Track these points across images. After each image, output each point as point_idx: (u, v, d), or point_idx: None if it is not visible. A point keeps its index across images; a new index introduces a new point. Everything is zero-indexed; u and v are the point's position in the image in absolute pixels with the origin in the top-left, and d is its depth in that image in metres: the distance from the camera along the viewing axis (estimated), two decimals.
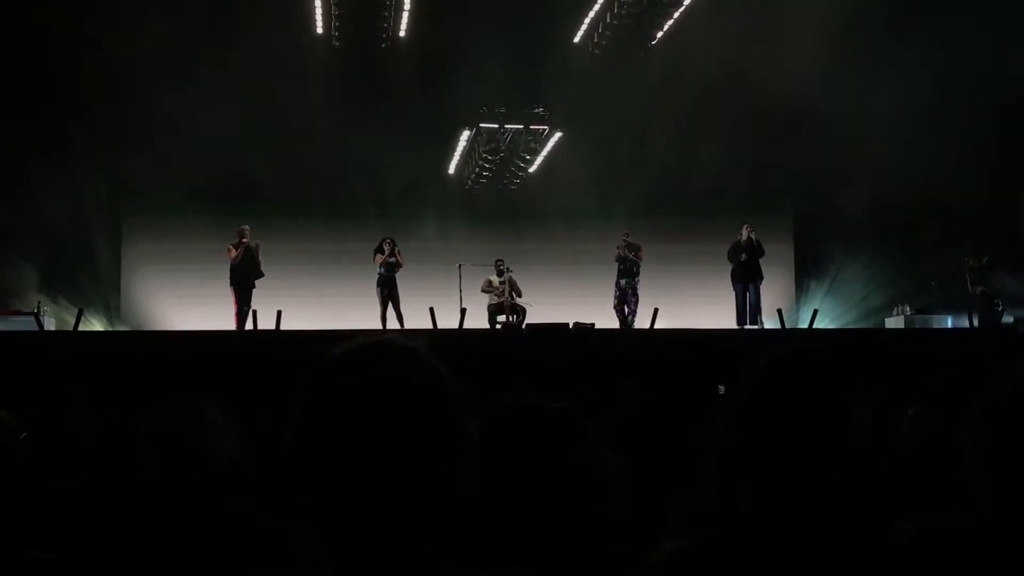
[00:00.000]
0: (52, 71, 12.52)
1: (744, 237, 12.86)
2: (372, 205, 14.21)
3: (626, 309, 13.20)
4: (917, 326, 13.28)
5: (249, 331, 11.39)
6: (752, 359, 1.53)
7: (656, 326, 11.33)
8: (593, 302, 13.22)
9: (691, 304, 13.84)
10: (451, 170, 15.70)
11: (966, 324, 12.36)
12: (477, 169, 15.18)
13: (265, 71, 12.97)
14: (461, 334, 10.85)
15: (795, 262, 16.49)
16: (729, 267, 13.06)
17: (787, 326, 12.16)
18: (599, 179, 14.62)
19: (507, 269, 12.96)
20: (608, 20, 13.36)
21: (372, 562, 1.10)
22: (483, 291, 12.99)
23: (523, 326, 12.02)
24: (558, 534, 1.46)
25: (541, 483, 1.47)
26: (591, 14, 13.55)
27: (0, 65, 12.07)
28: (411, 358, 1.16)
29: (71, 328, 10.75)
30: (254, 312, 11.42)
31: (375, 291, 12.55)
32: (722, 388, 6.63)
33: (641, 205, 14.64)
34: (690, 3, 12.81)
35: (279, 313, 10.78)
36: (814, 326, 12.09)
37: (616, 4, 13.04)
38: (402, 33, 13.37)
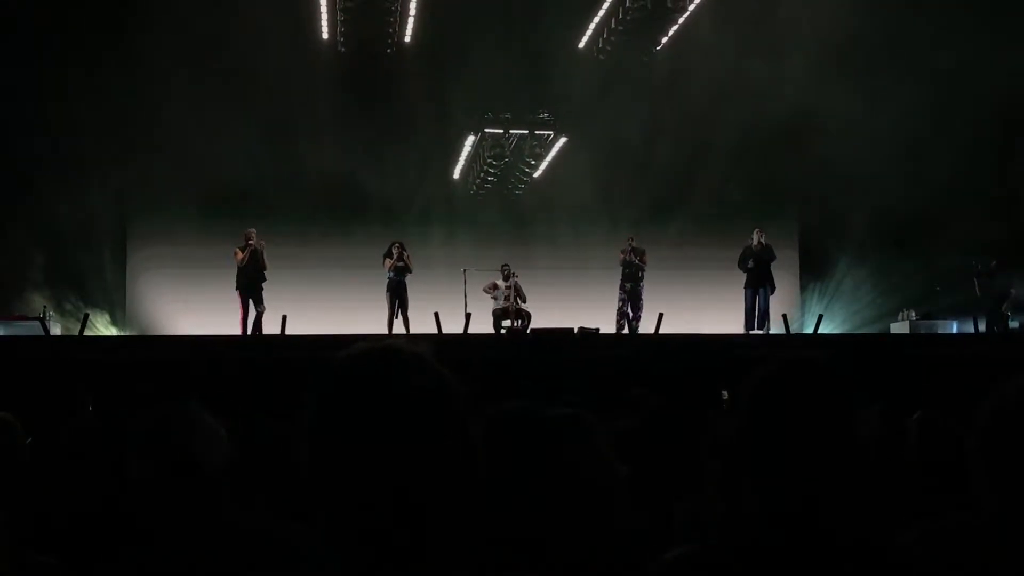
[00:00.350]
0: (58, 79, 12.56)
1: (755, 242, 12.86)
2: (377, 210, 14.24)
3: (630, 314, 13.21)
4: (922, 331, 13.24)
5: (254, 336, 11.42)
6: (756, 366, 1.52)
7: (661, 331, 11.33)
8: (598, 307, 13.21)
9: (695, 309, 13.82)
10: (456, 175, 15.70)
11: (971, 329, 12.32)
12: (482, 174, 15.17)
13: (271, 76, 13.01)
14: (466, 339, 10.85)
15: (800, 267, 16.48)
16: (736, 272, 13.06)
17: (792, 331, 12.14)
18: (603, 184, 14.64)
19: (513, 274, 12.97)
20: (613, 25, 13.37)
21: (376, 565, 1.10)
22: (484, 291, 12.97)
23: (528, 331, 12.01)
24: (560, 541, 1.45)
25: (543, 489, 1.46)
26: (596, 20, 13.57)
27: (5, 72, 12.10)
28: (415, 362, 1.16)
29: (77, 333, 10.78)
30: (259, 314, 11.47)
31: (384, 296, 12.50)
32: (725, 393, 6.61)
33: (645, 210, 14.66)
34: (695, 9, 12.80)
35: (284, 318, 10.83)
36: (819, 331, 12.09)
37: (621, 10, 13.05)
38: (407, 38, 13.39)
